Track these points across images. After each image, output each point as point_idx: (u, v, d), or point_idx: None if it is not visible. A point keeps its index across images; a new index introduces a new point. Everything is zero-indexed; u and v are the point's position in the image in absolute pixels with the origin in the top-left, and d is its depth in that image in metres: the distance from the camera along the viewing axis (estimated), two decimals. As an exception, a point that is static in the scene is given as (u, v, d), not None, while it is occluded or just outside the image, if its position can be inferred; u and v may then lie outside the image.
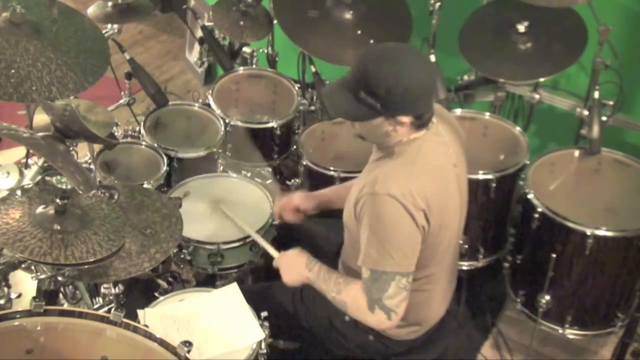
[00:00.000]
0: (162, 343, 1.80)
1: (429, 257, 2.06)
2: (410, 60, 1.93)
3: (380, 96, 1.90)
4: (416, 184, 1.94)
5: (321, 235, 2.50)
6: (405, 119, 1.94)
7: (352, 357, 2.28)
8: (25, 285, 2.24)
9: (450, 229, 2.08)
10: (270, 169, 3.38)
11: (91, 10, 2.92)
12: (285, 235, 2.58)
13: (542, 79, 3.01)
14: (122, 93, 3.25)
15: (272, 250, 2.36)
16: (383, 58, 1.93)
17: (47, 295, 2.12)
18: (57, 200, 1.87)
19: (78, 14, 2.30)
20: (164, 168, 2.78)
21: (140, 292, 2.65)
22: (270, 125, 3.06)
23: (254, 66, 3.47)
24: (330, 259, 2.29)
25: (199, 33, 3.33)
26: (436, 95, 2.93)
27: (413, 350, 2.24)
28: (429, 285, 2.15)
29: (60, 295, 2.43)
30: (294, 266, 2.21)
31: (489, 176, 2.76)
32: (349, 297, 2.07)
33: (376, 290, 1.98)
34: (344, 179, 2.74)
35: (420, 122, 1.98)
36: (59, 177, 2.10)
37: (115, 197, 2.15)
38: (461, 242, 2.80)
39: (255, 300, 2.22)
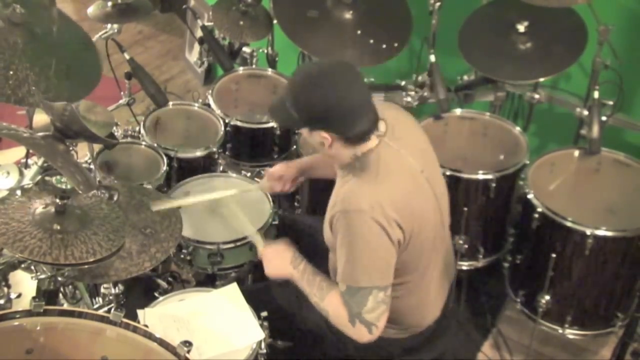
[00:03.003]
0: (162, 343, 1.80)
1: (414, 262, 2.07)
2: (337, 82, 1.96)
3: (299, 110, 1.97)
4: (383, 194, 1.95)
5: (318, 230, 2.50)
6: (326, 135, 1.98)
7: (351, 357, 2.27)
8: (25, 285, 2.23)
9: (432, 231, 2.08)
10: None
11: (91, 10, 2.92)
12: (285, 234, 2.57)
13: (542, 79, 3.01)
14: (122, 93, 3.25)
15: (259, 241, 2.35)
16: (311, 75, 2.01)
17: (47, 295, 2.12)
18: (57, 200, 1.87)
19: (72, 22, 2.29)
20: (164, 168, 2.78)
21: (140, 292, 2.64)
22: (270, 125, 3.06)
23: (253, 66, 3.47)
24: (327, 256, 2.29)
25: (199, 33, 3.33)
26: (436, 95, 2.94)
27: (412, 351, 2.24)
28: (419, 288, 2.15)
29: (60, 295, 2.43)
30: (279, 260, 2.21)
31: (489, 176, 2.76)
32: (330, 306, 2.07)
33: (355, 304, 1.99)
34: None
35: (351, 140, 1.99)
36: (59, 177, 2.10)
37: (115, 197, 2.15)
38: (461, 242, 2.81)
39: (255, 300, 2.22)
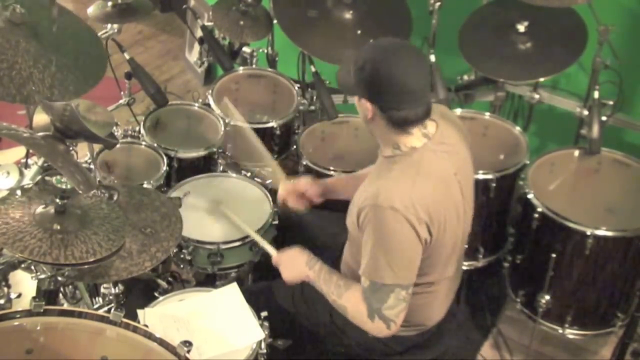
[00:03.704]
0: (162, 343, 1.80)
1: (433, 264, 2.07)
2: (402, 60, 1.94)
3: (356, 73, 1.97)
4: (418, 195, 1.94)
5: (324, 232, 2.50)
6: (368, 105, 1.97)
7: (352, 355, 2.28)
8: (25, 285, 2.24)
9: (453, 237, 2.08)
10: (270, 169, 3.38)
11: (91, 10, 2.92)
12: (285, 233, 2.58)
13: (542, 79, 3.01)
14: (122, 93, 3.25)
15: (270, 249, 2.36)
16: (378, 43, 1.99)
17: (47, 295, 2.12)
18: (57, 200, 1.87)
19: (75, 17, 2.29)
20: (164, 168, 2.78)
21: (140, 292, 2.65)
22: (270, 125, 3.06)
23: (254, 66, 3.47)
24: (330, 256, 2.30)
25: (199, 33, 3.33)
26: (436, 95, 2.93)
27: (413, 350, 2.24)
28: (432, 289, 2.15)
29: (60, 295, 2.43)
30: (295, 264, 2.21)
31: (489, 176, 2.76)
32: (349, 302, 2.08)
33: (376, 300, 1.99)
34: (344, 179, 2.74)
35: (393, 122, 1.98)
36: (59, 177, 2.10)
37: (115, 197, 2.15)
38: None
39: (255, 300, 2.23)
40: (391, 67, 1.92)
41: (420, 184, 1.96)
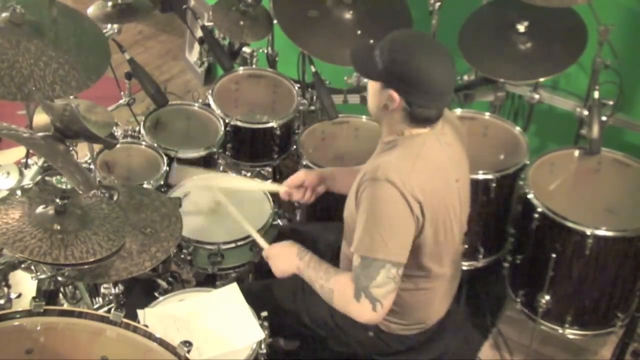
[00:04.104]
0: (162, 343, 1.80)
1: (426, 256, 2.06)
2: (436, 59, 1.95)
3: (388, 61, 1.94)
4: (415, 177, 1.95)
5: (322, 238, 2.50)
6: (395, 97, 1.95)
7: (352, 353, 2.28)
8: (25, 285, 2.24)
9: (448, 233, 2.08)
10: (270, 169, 3.39)
11: (91, 10, 2.92)
12: (285, 235, 2.58)
13: (542, 79, 3.01)
14: (122, 93, 3.25)
15: (262, 242, 2.35)
16: (418, 39, 2.00)
17: (47, 295, 2.12)
18: (57, 200, 1.87)
19: (77, 13, 2.30)
20: (164, 168, 2.78)
21: (140, 292, 2.65)
22: (270, 125, 3.06)
23: (254, 66, 3.47)
24: (329, 261, 2.29)
25: (199, 33, 3.33)
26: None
27: (413, 350, 2.24)
28: (429, 285, 2.15)
29: (60, 295, 2.43)
30: (285, 256, 2.21)
31: (489, 176, 2.76)
32: (337, 285, 2.06)
33: (364, 277, 1.97)
34: (344, 179, 2.74)
35: (413, 115, 1.98)
36: (59, 177, 2.10)
37: (115, 197, 2.15)
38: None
39: (255, 300, 2.22)
40: (428, 65, 1.93)
41: (419, 167, 1.97)
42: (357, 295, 1.98)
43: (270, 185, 2.65)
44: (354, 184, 2.07)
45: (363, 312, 2.00)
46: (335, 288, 2.06)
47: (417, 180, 1.94)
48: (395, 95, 1.96)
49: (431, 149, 2.02)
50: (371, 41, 1.98)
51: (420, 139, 2.02)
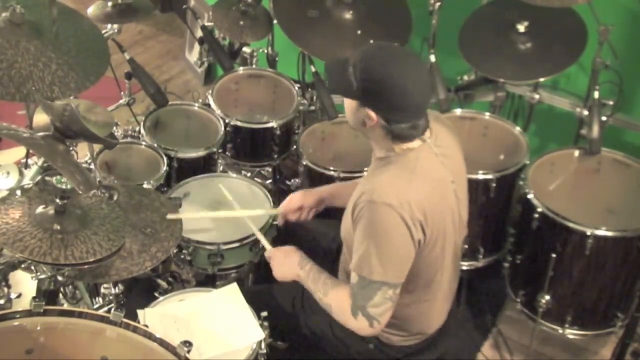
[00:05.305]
0: (162, 343, 1.80)
1: (426, 270, 2.06)
2: (410, 73, 1.92)
3: (360, 80, 1.92)
4: (414, 194, 1.93)
5: (322, 235, 2.50)
6: (373, 115, 1.94)
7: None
8: (25, 285, 2.24)
9: (448, 242, 2.07)
10: (270, 169, 3.39)
11: (91, 10, 2.92)
12: (285, 235, 2.58)
13: (542, 79, 3.01)
14: (122, 93, 3.25)
15: (266, 243, 2.35)
16: (391, 52, 1.95)
17: (47, 295, 2.12)
18: (57, 200, 1.87)
19: (77, 14, 2.30)
20: (164, 168, 2.78)
21: (140, 292, 2.64)
22: (270, 125, 3.06)
23: (253, 66, 3.47)
24: (329, 259, 2.29)
25: (199, 33, 3.33)
26: (436, 95, 2.93)
27: (413, 354, 2.23)
28: (429, 296, 2.14)
29: (60, 295, 2.43)
30: (287, 261, 2.21)
31: (489, 176, 2.76)
32: (334, 300, 2.07)
33: (361, 297, 1.98)
34: (344, 179, 2.74)
35: (392, 133, 1.97)
36: (59, 177, 2.10)
37: (115, 197, 2.15)
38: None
39: (255, 301, 2.22)
40: (403, 81, 1.90)
41: (416, 184, 1.96)
42: (354, 312, 2.00)
43: (265, 212, 2.61)
44: (349, 203, 2.05)
45: (360, 328, 2.02)
46: (333, 304, 2.07)
47: (415, 199, 1.92)
48: (372, 114, 1.95)
49: (426, 163, 2.00)
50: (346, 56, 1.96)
51: (413, 155, 1.99)
